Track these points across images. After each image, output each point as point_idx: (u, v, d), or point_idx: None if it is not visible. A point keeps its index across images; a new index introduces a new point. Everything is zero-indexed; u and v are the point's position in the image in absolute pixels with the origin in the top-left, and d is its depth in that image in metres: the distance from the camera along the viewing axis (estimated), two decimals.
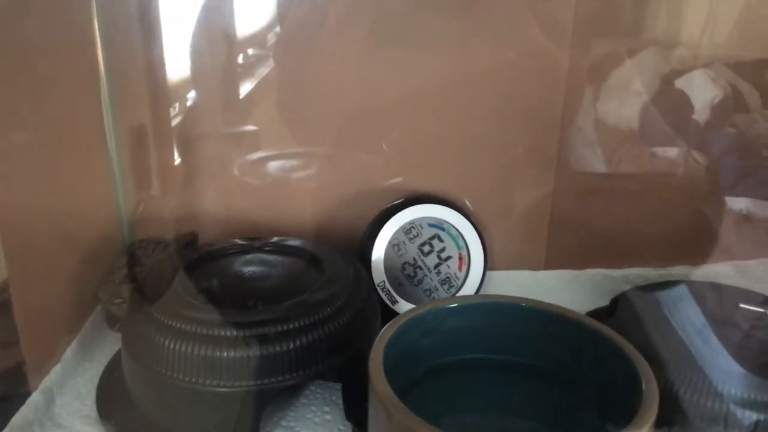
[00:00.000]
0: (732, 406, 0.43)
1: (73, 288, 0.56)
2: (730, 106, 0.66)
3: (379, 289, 0.57)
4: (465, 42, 0.61)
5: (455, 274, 0.59)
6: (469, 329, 0.46)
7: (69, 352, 0.51)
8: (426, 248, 0.59)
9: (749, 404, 0.42)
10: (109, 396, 0.49)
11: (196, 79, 0.61)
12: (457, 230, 0.59)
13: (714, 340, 0.47)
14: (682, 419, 0.44)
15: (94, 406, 0.48)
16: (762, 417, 0.42)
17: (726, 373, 0.44)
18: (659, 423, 0.38)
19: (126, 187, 0.63)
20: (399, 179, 0.64)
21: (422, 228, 0.59)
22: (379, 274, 0.57)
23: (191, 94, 0.63)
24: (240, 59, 0.62)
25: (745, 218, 0.67)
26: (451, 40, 0.60)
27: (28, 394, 0.46)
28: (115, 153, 0.61)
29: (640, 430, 0.35)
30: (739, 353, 0.46)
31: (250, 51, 0.62)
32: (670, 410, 0.44)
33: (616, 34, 0.65)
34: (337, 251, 0.54)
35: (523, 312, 0.46)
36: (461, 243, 0.59)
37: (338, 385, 0.49)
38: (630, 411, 0.36)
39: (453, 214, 0.58)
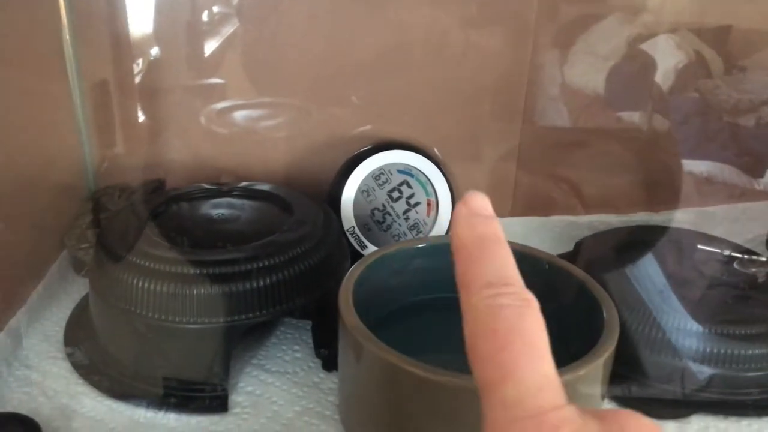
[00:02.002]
0: (687, 360, 0.44)
1: (38, 233, 0.55)
2: (693, 71, 0.67)
3: (348, 234, 0.57)
4: None
5: (423, 220, 0.60)
6: (436, 269, 0.47)
7: (35, 296, 0.51)
8: (395, 194, 0.59)
9: (704, 359, 0.44)
10: (77, 337, 0.49)
11: (161, 34, 0.60)
12: (426, 177, 0.59)
13: (659, 295, 0.48)
14: (639, 373, 0.45)
15: (62, 348, 0.48)
16: (717, 371, 0.44)
17: (668, 327, 0.45)
18: (615, 380, 0.39)
19: (92, 134, 0.62)
20: (368, 127, 0.64)
21: (391, 174, 0.59)
22: (348, 220, 0.58)
23: (157, 48, 0.61)
24: (205, 16, 0.61)
25: (706, 180, 0.69)
26: None
27: None
28: (80, 102, 0.60)
29: (602, 356, 0.36)
30: (696, 305, 0.47)
31: (215, 8, 0.61)
32: (627, 363, 0.44)
33: None
34: (307, 196, 0.54)
35: None
36: (430, 189, 0.60)
37: (308, 326, 0.50)
38: (591, 341, 0.38)
39: (422, 161, 0.59)
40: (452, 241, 0.24)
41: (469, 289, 0.22)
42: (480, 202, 0.24)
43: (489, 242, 0.24)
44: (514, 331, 0.21)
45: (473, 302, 0.22)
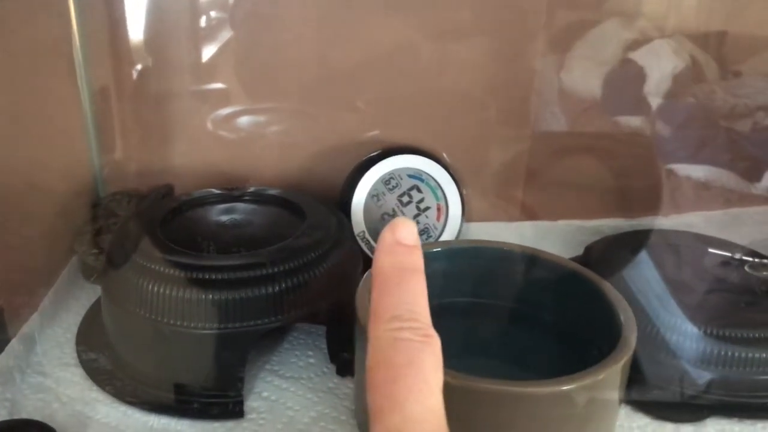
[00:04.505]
0: (701, 364, 0.44)
1: (49, 239, 0.55)
2: (689, 76, 0.67)
3: (358, 239, 0.57)
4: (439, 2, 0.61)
5: (433, 224, 0.60)
6: (451, 273, 0.47)
7: (46, 302, 0.51)
8: (405, 199, 0.59)
9: (719, 363, 0.44)
10: (89, 343, 0.48)
11: (167, 39, 0.60)
12: (436, 181, 0.59)
13: (672, 299, 0.48)
14: (638, 377, 0.45)
15: (74, 354, 0.48)
16: (716, 375, 0.44)
17: (683, 331, 0.45)
18: (631, 383, 0.39)
19: (101, 141, 0.62)
20: (376, 132, 0.64)
21: (401, 179, 0.59)
22: (358, 225, 0.58)
23: (162, 54, 0.61)
24: (204, 21, 0.61)
25: (704, 186, 0.69)
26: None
27: (6, 342, 0.45)
28: (89, 108, 0.60)
29: (620, 361, 0.36)
30: (698, 311, 0.47)
31: (212, 13, 0.61)
32: (641, 368, 0.44)
33: (581, 4, 0.66)
34: (318, 200, 0.54)
35: (505, 256, 0.47)
36: (439, 194, 0.60)
37: (320, 331, 0.50)
38: (609, 346, 0.38)
39: (432, 166, 0.59)
40: (372, 266, 0.25)
41: (376, 320, 0.24)
42: (405, 231, 0.25)
43: (405, 273, 0.24)
44: (409, 365, 0.22)
45: (378, 333, 0.23)
